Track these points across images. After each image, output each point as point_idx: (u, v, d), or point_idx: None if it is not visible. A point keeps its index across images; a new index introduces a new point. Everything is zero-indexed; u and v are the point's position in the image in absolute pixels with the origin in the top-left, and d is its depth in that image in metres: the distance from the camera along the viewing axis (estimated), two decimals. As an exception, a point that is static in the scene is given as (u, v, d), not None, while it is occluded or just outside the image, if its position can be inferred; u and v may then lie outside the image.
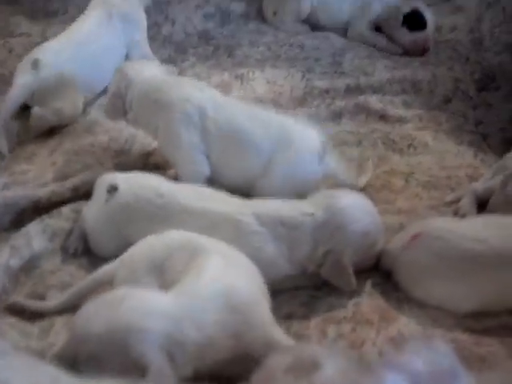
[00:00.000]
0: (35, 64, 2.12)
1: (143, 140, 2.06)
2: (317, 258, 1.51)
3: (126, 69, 1.89)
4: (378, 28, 2.78)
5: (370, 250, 1.57)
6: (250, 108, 1.88)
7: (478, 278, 1.46)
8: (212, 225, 1.53)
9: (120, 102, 1.84)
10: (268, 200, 1.64)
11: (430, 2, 2.97)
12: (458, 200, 1.84)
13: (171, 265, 1.37)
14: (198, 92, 1.81)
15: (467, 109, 2.33)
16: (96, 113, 2.17)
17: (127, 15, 2.35)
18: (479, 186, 1.83)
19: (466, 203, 1.79)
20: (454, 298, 1.48)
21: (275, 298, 1.45)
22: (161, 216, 1.56)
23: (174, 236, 1.45)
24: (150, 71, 1.88)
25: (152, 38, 2.56)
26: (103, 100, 2.13)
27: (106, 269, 1.48)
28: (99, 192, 1.66)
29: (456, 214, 1.77)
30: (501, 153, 2.05)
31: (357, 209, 1.54)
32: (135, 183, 1.64)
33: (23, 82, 2.11)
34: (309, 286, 1.55)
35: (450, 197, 1.87)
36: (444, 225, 1.55)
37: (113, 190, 1.62)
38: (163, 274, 1.36)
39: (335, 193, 1.60)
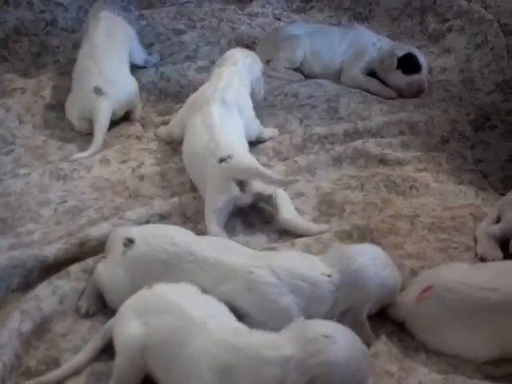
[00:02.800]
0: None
1: (146, 191, 2.08)
2: (335, 315, 1.51)
3: None
4: (370, 73, 2.83)
5: (390, 297, 1.58)
6: None
7: (495, 326, 1.46)
8: (223, 276, 1.54)
9: None
10: (284, 253, 1.67)
11: (419, 44, 3.06)
12: None
13: (154, 321, 1.40)
14: None
15: (465, 149, 2.36)
16: (99, 169, 2.18)
17: None
18: (496, 229, 1.85)
19: (488, 248, 1.81)
20: (472, 348, 1.48)
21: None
22: (174, 265, 1.57)
23: (164, 294, 1.46)
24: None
25: (149, 93, 2.63)
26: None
27: (110, 323, 1.51)
28: (115, 247, 1.67)
29: (484, 260, 1.79)
30: (501, 191, 2.09)
31: (371, 264, 1.55)
32: (149, 234, 1.66)
33: None
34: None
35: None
36: (455, 276, 1.55)
37: (129, 242, 1.63)
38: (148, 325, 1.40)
39: (348, 250, 1.60)
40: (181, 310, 1.39)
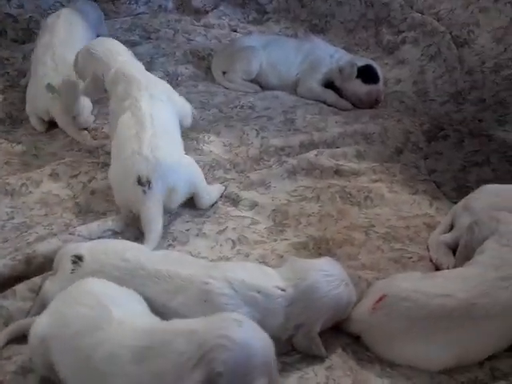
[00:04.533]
0: None
1: (97, 207, 2.04)
2: (289, 329, 1.50)
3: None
4: (327, 84, 2.85)
5: (343, 313, 1.57)
6: None
7: (451, 333, 1.46)
8: (177, 288, 1.51)
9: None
10: (239, 264, 1.66)
11: (374, 56, 3.10)
12: None
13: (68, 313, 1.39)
14: None
15: (419, 159, 2.38)
16: (49, 184, 2.12)
17: None
18: (448, 237, 1.87)
19: (442, 256, 1.83)
20: (427, 357, 1.47)
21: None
22: (127, 281, 1.53)
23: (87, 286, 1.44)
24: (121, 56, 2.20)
25: (101, 105, 2.55)
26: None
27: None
28: (63, 264, 1.61)
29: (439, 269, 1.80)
30: (455, 200, 2.11)
31: (325, 281, 1.53)
32: (99, 250, 1.61)
33: None
34: (279, 352, 1.51)
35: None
36: (408, 285, 1.55)
37: (78, 259, 1.59)
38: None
39: (303, 264, 1.58)
40: (98, 304, 1.38)
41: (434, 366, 1.48)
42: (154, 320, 1.40)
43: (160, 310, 1.47)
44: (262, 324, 1.45)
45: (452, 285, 1.53)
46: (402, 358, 1.50)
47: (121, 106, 2.06)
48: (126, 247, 1.65)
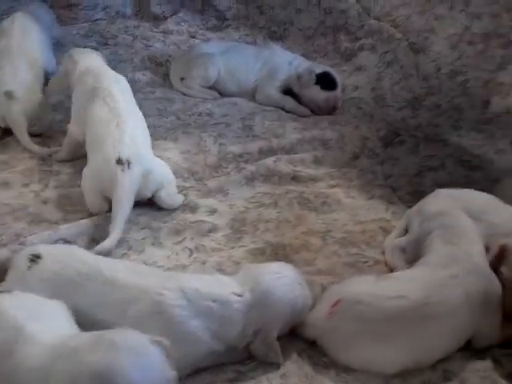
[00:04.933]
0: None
1: (50, 216, 2.00)
2: (247, 336, 1.49)
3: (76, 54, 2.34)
4: (286, 91, 2.86)
5: (300, 317, 1.56)
6: None
7: (406, 335, 1.47)
8: (132, 298, 1.48)
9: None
10: (195, 275, 1.65)
11: (332, 63, 3.13)
12: None
13: None
14: None
15: (375, 165, 2.41)
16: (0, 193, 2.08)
17: None
18: (403, 241, 1.90)
19: (396, 259, 1.86)
20: (382, 360, 1.48)
21: (200, 375, 1.43)
22: (85, 286, 1.50)
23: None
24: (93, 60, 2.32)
25: (56, 112, 2.54)
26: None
27: None
28: (19, 264, 1.56)
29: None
30: (410, 204, 2.13)
31: (281, 285, 1.53)
32: (60, 253, 1.59)
33: None
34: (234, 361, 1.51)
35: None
36: (362, 288, 1.56)
37: (35, 258, 1.54)
38: None
39: (258, 269, 1.58)
40: (10, 326, 1.29)
41: (390, 369, 1.48)
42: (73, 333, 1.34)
43: (115, 320, 1.43)
44: (219, 334, 1.46)
45: (405, 286, 1.55)
46: (358, 362, 1.50)
47: (90, 95, 2.13)
48: (84, 252, 1.63)
